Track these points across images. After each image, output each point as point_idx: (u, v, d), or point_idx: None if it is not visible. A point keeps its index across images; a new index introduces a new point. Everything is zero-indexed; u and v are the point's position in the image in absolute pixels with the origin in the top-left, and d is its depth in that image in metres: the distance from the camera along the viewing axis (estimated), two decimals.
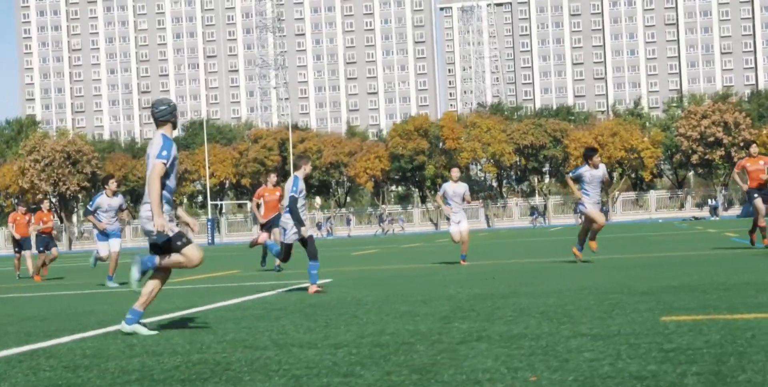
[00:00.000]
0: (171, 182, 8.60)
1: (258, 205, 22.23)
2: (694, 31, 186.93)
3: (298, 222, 13.11)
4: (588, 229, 17.86)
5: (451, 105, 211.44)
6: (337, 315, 9.61)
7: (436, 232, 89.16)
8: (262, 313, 10.37)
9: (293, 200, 13.13)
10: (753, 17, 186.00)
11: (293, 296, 12.77)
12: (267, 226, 21.43)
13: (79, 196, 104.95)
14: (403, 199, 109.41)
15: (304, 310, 10.48)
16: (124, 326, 8.57)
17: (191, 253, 8.59)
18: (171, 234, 8.48)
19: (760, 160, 19.44)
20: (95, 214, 18.10)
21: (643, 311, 8.55)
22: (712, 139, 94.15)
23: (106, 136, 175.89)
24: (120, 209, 18.12)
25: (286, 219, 13.28)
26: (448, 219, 20.00)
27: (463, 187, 19.63)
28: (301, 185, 13.33)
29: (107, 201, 17.89)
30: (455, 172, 19.78)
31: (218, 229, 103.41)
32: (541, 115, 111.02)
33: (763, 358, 5.66)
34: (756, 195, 19.31)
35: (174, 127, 8.78)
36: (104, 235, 18.24)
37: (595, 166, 17.62)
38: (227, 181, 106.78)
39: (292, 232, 13.29)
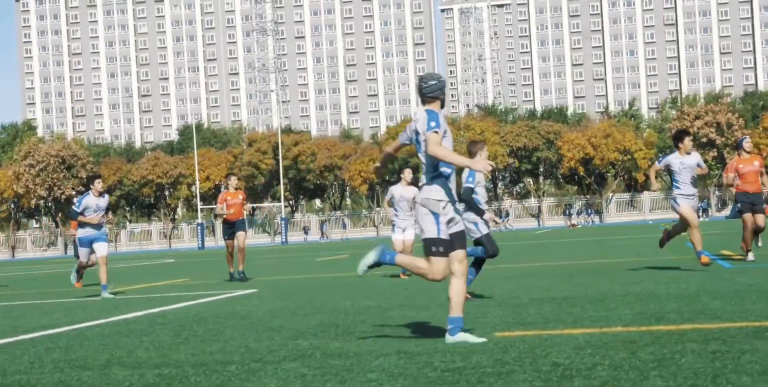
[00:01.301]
0: None
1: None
2: (693, 32, 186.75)
3: (478, 212, 12.29)
4: (680, 231, 15.61)
5: (453, 107, 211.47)
6: (204, 331, 9.71)
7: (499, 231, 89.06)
8: (142, 327, 10.47)
9: (468, 191, 12.09)
10: (752, 17, 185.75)
11: (202, 308, 12.87)
12: (230, 233, 20.41)
13: (74, 200, 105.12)
14: None
15: (184, 324, 10.58)
16: (448, 338, 7.64)
17: (438, 267, 7.65)
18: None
19: (754, 161, 17.06)
20: (84, 216, 16.90)
21: (486, 325, 8.64)
22: (704, 139, 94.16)
23: (108, 140, 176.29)
24: (106, 210, 17.15)
25: (469, 215, 12.20)
26: (393, 223, 18.18)
27: (412, 191, 17.63)
28: (479, 176, 12.25)
29: (95, 201, 16.93)
30: (407, 174, 17.86)
31: (213, 233, 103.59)
32: (534, 117, 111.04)
33: (529, 377, 5.74)
34: (742, 203, 16.93)
35: (442, 105, 7.85)
36: (87, 241, 16.96)
37: (687, 153, 15.09)
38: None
39: (482, 223, 12.55)
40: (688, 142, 15.07)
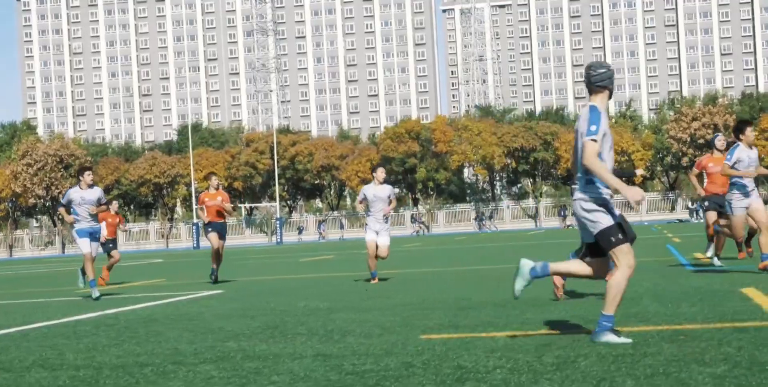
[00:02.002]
0: (606, 158, 7.29)
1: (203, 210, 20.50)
2: (694, 33, 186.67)
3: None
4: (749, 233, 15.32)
5: (454, 107, 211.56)
6: (146, 333, 9.79)
7: (426, 235, 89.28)
8: (87, 329, 10.55)
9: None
10: (753, 18, 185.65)
11: (158, 309, 12.94)
12: (209, 230, 19.70)
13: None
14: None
15: (130, 326, 10.65)
16: (593, 337, 7.25)
17: (626, 255, 7.19)
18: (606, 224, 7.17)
19: (725, 160, 15.02)
20: (70, 209, 16.16)
21: (417, 327, 8.71)
22: (701, 141, 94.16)
23: (109, 139, 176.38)
24: (99, 204, 16.13)
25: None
26: (366, 224, 17.14)
27: (386, 190, 16.88)
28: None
29: (80, 193, 16.04)
30: (380, 173, 16.88)
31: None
32: (532, 118, 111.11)
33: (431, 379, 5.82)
34: (708, 204, 15.90)
35: (610, 95, 7.47)
36: (86, 231, 16.10)
37: (750, 145, 13.84)
38: (220, 185, 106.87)
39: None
40: (750, 132, 13.69)
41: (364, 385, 5.91)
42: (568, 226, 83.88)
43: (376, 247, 16.95)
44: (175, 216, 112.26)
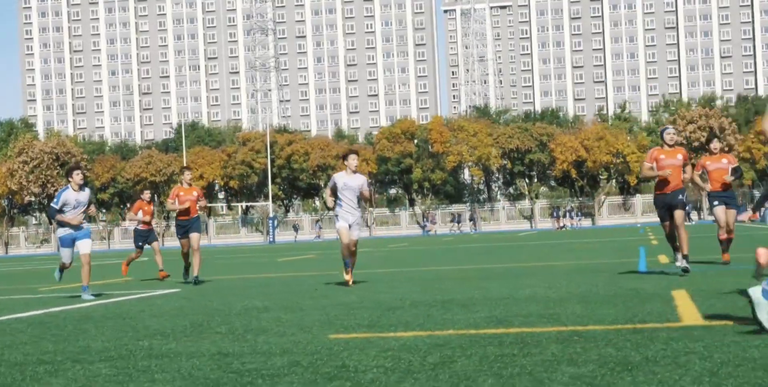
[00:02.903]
0: None
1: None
2: (693, 35, 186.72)
3: None
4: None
5: (455, 108, 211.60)
6: (72, 330, 9.88)
7: (421, 235, 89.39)
8: (20, 326, 10.63)
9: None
10: (753, 21, 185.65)
11: (101, 308, 13.04)
12: (183, 232, 19.22)
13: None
14: (391, 203, 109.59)
15: (62, 323, 10.74)
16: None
17: None
18: None
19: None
20: (63, 213, 15.28)
21: (332, 326, 8.81)
22: (696, 144, 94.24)
23: (109, 137, 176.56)
24: (88, 204, 15.41)
25: None
26: (336, 214, 15.68)
27: (359, 180, 15.49)
28: None
29: (74, 196, 15.21)
30: (352, 160, 15.40)
31: (206, 231, 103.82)
32: (529, 119, 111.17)
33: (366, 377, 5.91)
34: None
35: None
36: (70, 240, 15.44)
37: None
38: (216, 184, 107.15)
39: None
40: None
41: (238, 383, 6.00)
42: (561, 227, 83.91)
43: (349, 234, 15.50)
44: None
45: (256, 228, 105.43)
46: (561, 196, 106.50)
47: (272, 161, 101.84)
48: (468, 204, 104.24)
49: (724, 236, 16.66)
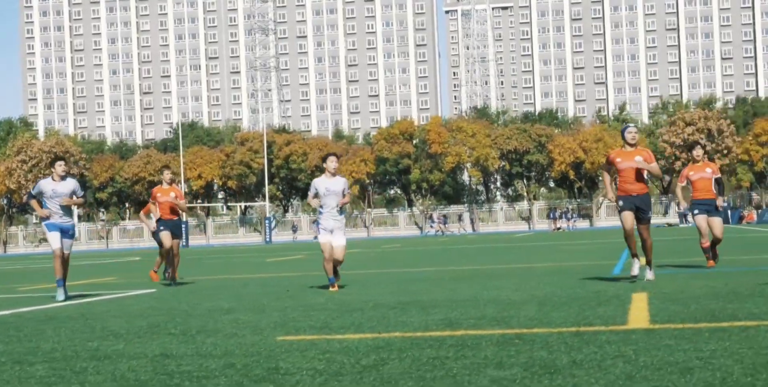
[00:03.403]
0: None
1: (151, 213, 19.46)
2: (694, 37, 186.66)
3: None
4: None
5: (456, 108, 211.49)
6: (30, 332, 9.91)
7: (419, 236, 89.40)
8: None
9: None
10: (754, 23, 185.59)
11: (70, 308, 13.09)
12: (162, 227, 18.60)
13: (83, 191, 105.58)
14: (389, 203, 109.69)
15: (22, 324, 10.79)
16: None
17: None
18: None
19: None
20: (41, 201, 14.88)
21: (282, 328, 8.85)
22: None
23: (109, 137, 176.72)
24: (73, 196, 14.82)
25: None
26: (316, 223, 15.12)
27: (340, 183, 14.77)
28: None
29: (52, 185, 14.70)
30: (331, 163, 14.68)
31: (204, 231, 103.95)
32: (528, 120, 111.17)
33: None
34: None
35: None
36: (57, 226, 14.77)
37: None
38: (215, 184, 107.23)
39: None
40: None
41: (165, 385, 6.04)
42: (558, 228, 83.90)
43: (332, 248, 14.80)
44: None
45: (254, 228, 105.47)
46: (560, 197, 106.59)
47: (270, 161, 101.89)
48: (466, 205, 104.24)
49: (706, 244, 16.53)
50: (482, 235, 76.13)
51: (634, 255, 13.59)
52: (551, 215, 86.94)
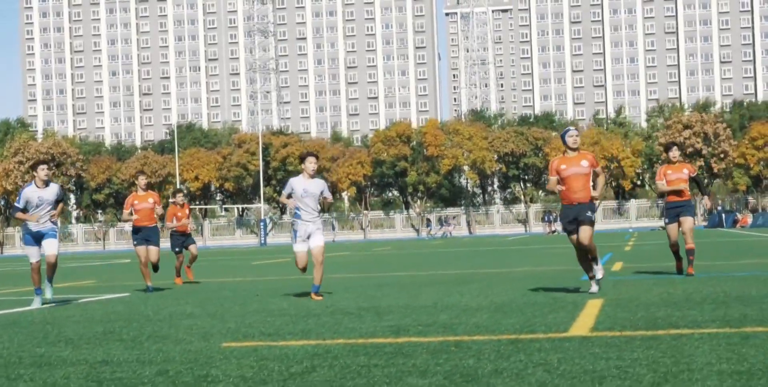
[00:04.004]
0: None
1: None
2: (693, 40, 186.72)
3: None
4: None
5: (455, 111, 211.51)
6: None
7: (414, 239, 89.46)
8: None
9: None
10: (752, 27, 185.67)
11: (36, 313, 13.16)
12: (140, 239, 17.81)
13: (64, 198, 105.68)
14: (386, 205, 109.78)
15: None
16: None
17: None
18: None
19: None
20: (27, 212, 14.22)
21: (231, 334, 8.94)
22: (691, 149, 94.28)
23: (109, 138, 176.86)
24: (57, 202, 14.26)
25: None
26: (294, 229, 14.17)
27: (318, 185, 13.96)
28: None
29: (37, 193, 14.04)
30: (309, 163, 13.87)
31: (201, 233, 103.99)
32: (525, 123, 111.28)
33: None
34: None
35: None
36: (34, 238, 14.19)
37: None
38: (212, 185, 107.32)
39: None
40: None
41: None
42: (553, 231, 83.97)
43: (307, 258, 14.17)
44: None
45: (251, 230, 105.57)
46: (557, 200, 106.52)
47: (267, 163, 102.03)
48: (463, 207, 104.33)
49: (675, 249, 16.15)
50: (478, 238, 76.23)
51: (591, 277, 12.91)
52: (546, 218, 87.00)
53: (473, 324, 9.31)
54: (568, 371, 6.14)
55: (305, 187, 13.82)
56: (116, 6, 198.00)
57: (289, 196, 14.03)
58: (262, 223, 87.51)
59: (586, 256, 12.95)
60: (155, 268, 17.90)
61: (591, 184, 12.93)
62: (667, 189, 16.10)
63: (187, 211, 20.79)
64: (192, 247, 21.01)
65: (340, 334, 8.87)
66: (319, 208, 14.00)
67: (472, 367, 6.49)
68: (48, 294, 14.46)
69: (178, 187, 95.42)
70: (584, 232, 12.76)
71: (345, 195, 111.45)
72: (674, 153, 16.16)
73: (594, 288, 12.73)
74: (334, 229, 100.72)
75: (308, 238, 14.02)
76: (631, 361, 6.44)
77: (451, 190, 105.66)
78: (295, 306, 12.48)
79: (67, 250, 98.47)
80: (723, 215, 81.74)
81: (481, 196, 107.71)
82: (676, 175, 16.00)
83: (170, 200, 22.38)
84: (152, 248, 17.74)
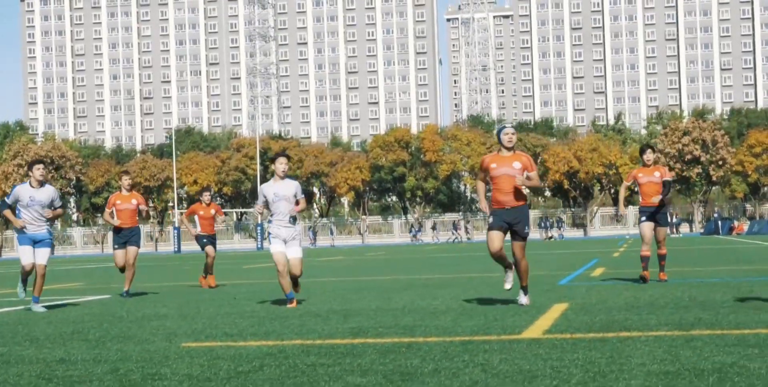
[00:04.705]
0: None
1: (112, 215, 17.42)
2: (694, 47, 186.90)
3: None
4: None
5: (456, 116, 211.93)
6: None
7: (411, 244, 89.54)
8: None
9: None
10: (753, 34, 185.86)
11: (5, 316, 13.30)
12: (121, 242, 17.12)
13: (63, 201, 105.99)
14: (384, 210, 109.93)
15: None
16: None
17: None
18: None
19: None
20: (16, 210, 13.67)
21: (194, 334, 9.09)
22: (689, 156, 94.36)
23: (110, 142, 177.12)
24: (51, 206, 13.64)
25: None
26: (269, 232, 13.48)
27: (291, 187, 13.21)
28: None
29: (29, 192, 13.45)
30: (280, 164, 13.13)
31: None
32: (522, 129, 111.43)
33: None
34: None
35: None
36: (28, 238, 13.62)
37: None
38: (210, 189, 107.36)
39: None
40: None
41: None
42: (549, 238, 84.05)
43: (287, 260, 13.21)
44: (167, 220, 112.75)
45: (249, 234, 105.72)
46: (556, 206, 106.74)
47: (266, 168, 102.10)
48: (461, 213, 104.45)
49: (646, 253, 15.67)
50: (474, 244, 76.25)
51: (508, 266, 12.01)
52: (542, 224, 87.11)
53: (434, 326, 9.44)
54: (504, 371, 6.28)
55: (275, 191, 13.09)
56: (117, 10, 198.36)
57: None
58: (259, 228, 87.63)
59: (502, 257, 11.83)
60: (122, 270, 17.11)
61: (526, 191, 12.07)
62: (621, 198, 16.14)
63: (212, 212, 20.05)
64: (209, 249, 20.05)
65: (299, 335, 9.01)
66: (295, 214, 13.20)
67: (414, 367, 6.63)
68: (36, 307, 13.62)
69: (174, 188, 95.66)
70: (519, 247, 11.82)
71: (344, 200, 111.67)
72: (648, 156, 15.78)
73: (524, 299, 11.68)
74: (332, 234, 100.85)
75: (285, 243, 13.20)
76: (568, 362, 6.57)
77: (449, 195, 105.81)
78: (267, 309, 12.61)
79: (66, 254, 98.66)
80: (719, 222, 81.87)
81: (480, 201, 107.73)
82: (647, 179, 15.67)
83: (197, 198, 22.25)
84: (131, 248, 17.08)
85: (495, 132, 11.75)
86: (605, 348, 7.27)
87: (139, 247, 17.43)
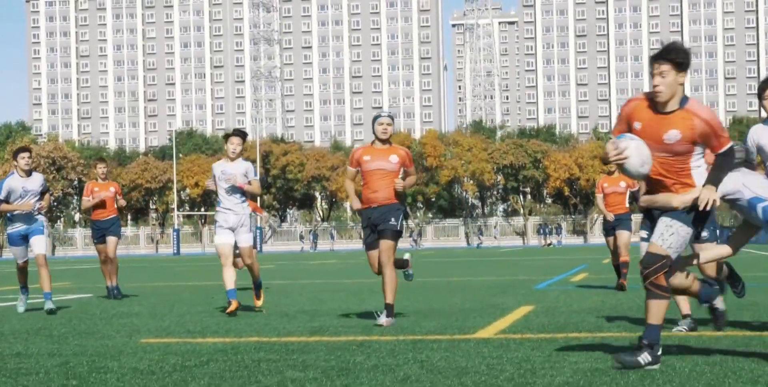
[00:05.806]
0: None
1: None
2: (698, 56, 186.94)
3: None
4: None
5: (461, 122, 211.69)
6: None
7: (410, 249, 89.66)
8: None
9: None
10: (757, 43, 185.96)
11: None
12: (100, 236, 16.51)
13: (65, 201, 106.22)
14: None
15: None
16: None
17: None
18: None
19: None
20: (8, 202, 12.80)
21: (156, 331, 9.22)
22: None
23: (113, 143, 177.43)
24: (41, 193, 13.08)
25: None
26: (215, 219, 12.19)
27: (240, 167, 11.92)
28: None
29: (20, 183, 12.80)
30: (231, 145, 11.86)
31: (199, 239, 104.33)
32: (523, 136, 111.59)
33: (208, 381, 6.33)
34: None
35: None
36: (21, 237, 13.01)
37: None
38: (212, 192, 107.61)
39: None
40: None
41: None
42: (548, 244, 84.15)
43: (235, 253, 12.26)
44: (173, 221, 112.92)
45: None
46: (556, 212, 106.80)
47: (267, 171, 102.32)
48: (462, 219, 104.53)
49: (626, 259, 15.46)
50: (471, 250, 76.39)
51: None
52: (542, 231, 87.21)
53: (396, 327, 9.55)
54: (440, 367, 6.41)
55: (224, 169, 11.86)
56: (123, 12, 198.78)
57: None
58: (258, 230, 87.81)
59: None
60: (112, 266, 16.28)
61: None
62: (602, 207, 15.77)
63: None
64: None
65: (258, 333, 9.13)
66: (244, 197, 12.00)
67: (356, 363, 6.76)
68: (49, 304, 12.79)
69: (174, 189, 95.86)
70: (385, 247, 10.19)
71: (345, 204, 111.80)
72: (612, 166, 15.65)
73: (383, 319, 9.82)
74: (333, 238, 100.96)
75: (233, 231, 11.96)
76: (505, 360, 6.70)
77: (450, 201, 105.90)
78: (241, 308, 12.70)
79: (67, 255, 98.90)
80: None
81: (481, 207, 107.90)
82: (612, 189, 15.57)
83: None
84: (110, 239, 16.35)
85: (372, 120, 10.23)
86: (548, 347, 7.39)
87: (119, 237, 16.58)
